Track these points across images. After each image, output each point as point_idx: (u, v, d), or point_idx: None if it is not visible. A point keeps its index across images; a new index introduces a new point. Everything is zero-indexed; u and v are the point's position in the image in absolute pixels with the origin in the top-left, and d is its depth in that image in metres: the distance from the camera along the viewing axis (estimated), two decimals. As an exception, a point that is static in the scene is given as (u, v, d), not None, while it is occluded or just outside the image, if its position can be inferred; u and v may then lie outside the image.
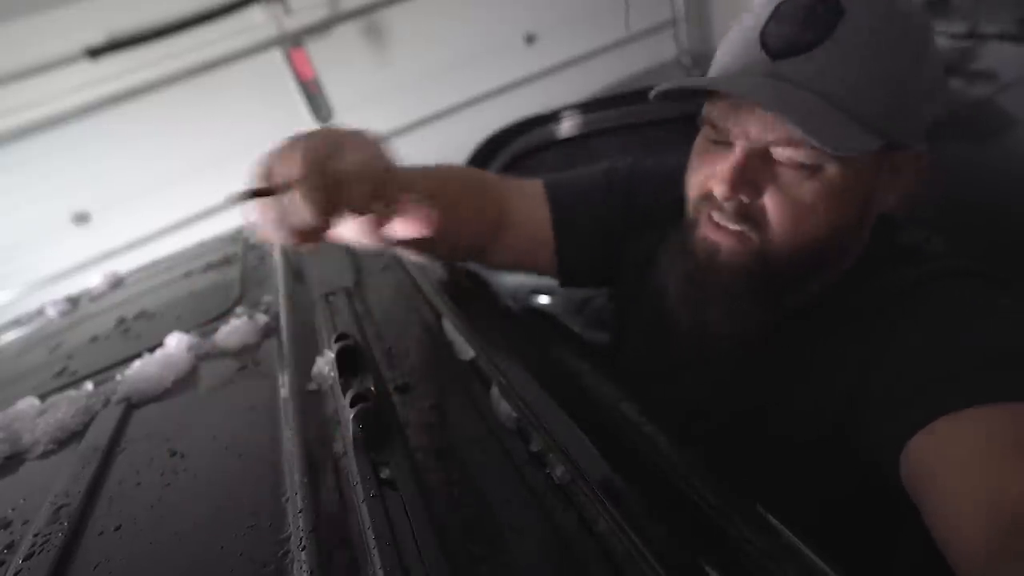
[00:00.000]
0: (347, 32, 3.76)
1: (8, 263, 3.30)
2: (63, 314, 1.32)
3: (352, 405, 0.48)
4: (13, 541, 0.48)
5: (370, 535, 0.37)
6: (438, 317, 0.69)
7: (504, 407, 0.49)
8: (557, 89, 4.03)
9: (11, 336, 1.33)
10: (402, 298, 0.80)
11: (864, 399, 0.53)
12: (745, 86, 0.51)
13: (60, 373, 0.90)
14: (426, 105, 4.02)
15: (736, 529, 0.35)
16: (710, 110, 0.56)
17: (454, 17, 3.96)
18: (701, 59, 2.41)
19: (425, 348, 0.64)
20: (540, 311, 0.82)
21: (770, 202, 0.53)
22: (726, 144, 0.55)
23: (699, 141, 0.60)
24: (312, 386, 0.58)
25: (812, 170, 0.51)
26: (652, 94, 0.57)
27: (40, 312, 1.40)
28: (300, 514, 0.40)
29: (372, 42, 3.83)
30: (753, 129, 0.52)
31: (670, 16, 3.46)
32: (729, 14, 4.89)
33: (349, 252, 1.06)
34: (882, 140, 0.49)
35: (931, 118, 0.54)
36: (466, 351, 0.59)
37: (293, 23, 3.59)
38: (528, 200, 0.78)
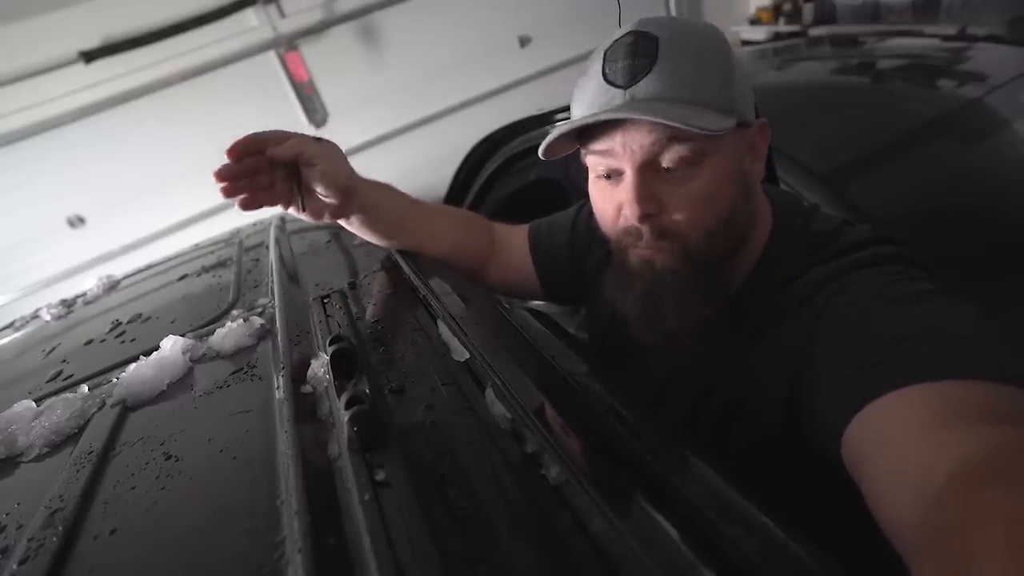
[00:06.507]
0: (341, 35, 3.77)
1: (3, 267, 3.29)
2: (58, 317, 1.32)
3: (347, 407, 0.48)
4: (7, 546, 0.48)
5: (366, 537, 0.37)
6: (433, 319, 0.69)
7: (499, 408, 0.49)
8: (551, 91, 4.04)
9: (6, 339, 1.32)
10: (396, 300, 0.81)
11: (802, 392, 0.57)
12: (621, 112, 0.59)
13: (55, 376, 0.90)
14: (421, 107, 4.04)
15: (732, 529, 0.35)
16: (593, 147, 0.63)
17: (448, 20, 3.98)
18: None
19: (419, 350, 0.64)
20: (535, 312, 0.83)
21: (673, 206, 0.62)
22: (617, 173, 0.63)
23: (592, 185, 0.68)
24: (307, 388, 0.58)
25: (695, 165, 0.60)
26: (541, 150, 0.65)
27: (35, 315, 1.40)
28: (296, 516, 0.40)
29: (366, 44, 3.84)
30: (637, 144, 0.60)
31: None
32: (722, 15, 4.93)
33: (344, 254, 1.06)
34: (736, 120, 0.60)
35: (752, 96, 0.65)
36: (460, 352, 0.59)
37: (288, 26, 3.60)
38: (516, 235, 0.98)
